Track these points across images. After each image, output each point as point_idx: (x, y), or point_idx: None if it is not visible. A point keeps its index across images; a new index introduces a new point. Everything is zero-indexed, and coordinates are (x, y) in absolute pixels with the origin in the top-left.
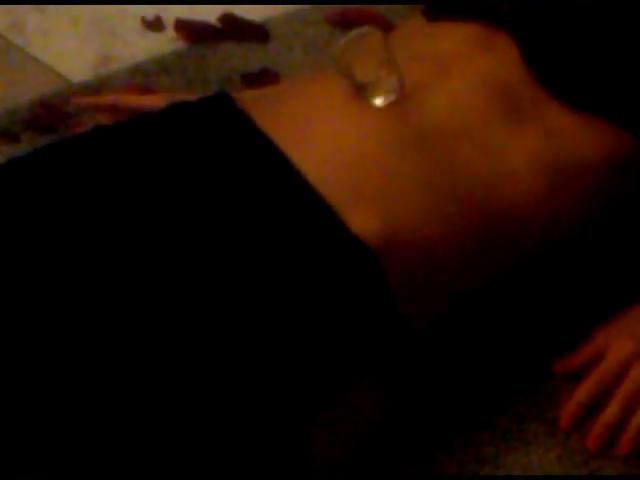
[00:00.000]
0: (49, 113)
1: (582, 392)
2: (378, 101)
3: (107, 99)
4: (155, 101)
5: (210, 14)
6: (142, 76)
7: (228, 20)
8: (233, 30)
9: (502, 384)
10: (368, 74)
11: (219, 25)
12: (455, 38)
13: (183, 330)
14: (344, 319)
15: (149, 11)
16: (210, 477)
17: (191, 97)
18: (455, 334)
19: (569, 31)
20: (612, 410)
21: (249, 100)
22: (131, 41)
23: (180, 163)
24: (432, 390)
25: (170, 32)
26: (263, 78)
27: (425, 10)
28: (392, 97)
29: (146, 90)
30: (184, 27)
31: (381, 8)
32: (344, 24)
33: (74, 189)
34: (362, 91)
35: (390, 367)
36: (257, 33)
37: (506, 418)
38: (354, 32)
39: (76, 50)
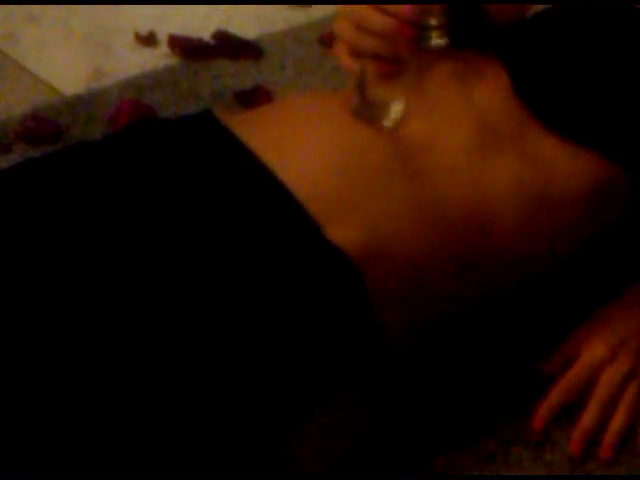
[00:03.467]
0: (40, 125)
1: (553, 396)
2: (387, 123)
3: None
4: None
5: (204, 31)
6: (134, 91)
7: (221, 37)
8: (226, 47)
9: (487, 407)
10: (379, 94)
11: (212, 42)
12: (444, 64)
13: (168, 339)
14: (322, 328)
15: (143, 26)
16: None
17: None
18: (440, 356)
19: (556, 60)
20: (589, 416)
21: (234, 118)
22: (124, 55)
23: (164, 177)
24: (415, 412)
25: (163, 48)
26: (255, 95)
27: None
28: (395, 125)
29: None
30: (178, 43)
31: None
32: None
33: (60, 202)
34: (370, 110)
35: (368, 380)
36: (250, 51)
37: (491, 442)
38: None
39: (69, 63)
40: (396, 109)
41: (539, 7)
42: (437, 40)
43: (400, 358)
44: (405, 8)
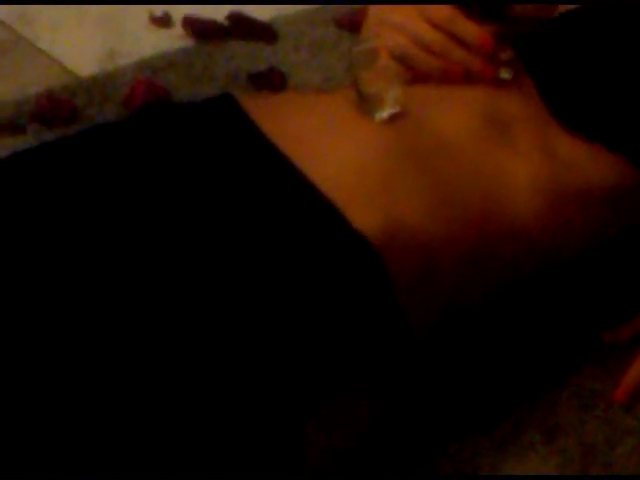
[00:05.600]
0: (54, 106)
1: (632, 375)
2: (380, 115)
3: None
4: None
5: (218, 12)
6: (149, 72)
7: (236, 19)
8: (240, 29)
9: (500, 392)
10: (372, 87)
11: (227, 23)
12: None
13: (182, 326)
14: (343, 310)
15: (157, 7)
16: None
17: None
18: (454, 341)
19: (578, 60)
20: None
21: (254, 105)
22: (138, 36)
23: (185, 163)
24: (429, 396)
25: (178, 29)
26: (269, 77)
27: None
28: (393, 112)
29: None
30: (192, 24)
31: None
32: (351, 26)
33: (76, 185)
34: (366, 103)
35: (388, 368)
36: (264, 32)
37: (504, 426)
38: (367, 44)
39: (84, 44)
40: (389, 102)
41: (563, 8)
42: (505, 74)
43: (419, 344)
44: (483, 40)
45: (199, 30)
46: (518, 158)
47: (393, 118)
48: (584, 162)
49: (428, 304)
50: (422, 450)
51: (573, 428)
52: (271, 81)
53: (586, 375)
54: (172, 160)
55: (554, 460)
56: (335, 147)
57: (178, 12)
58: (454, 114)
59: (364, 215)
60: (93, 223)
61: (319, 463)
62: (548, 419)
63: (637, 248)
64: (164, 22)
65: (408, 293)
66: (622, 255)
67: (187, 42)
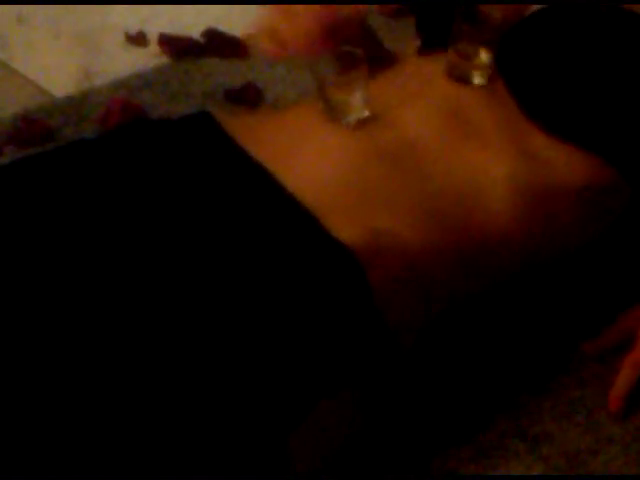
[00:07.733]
0: (31, 127)
1: (622, 381)
2: (347, 120)
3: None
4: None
5: (194, 29)
6: (125, 91)
7: (211, 35)
8: (216, 45)
9: (483, 401)
10: (339, 94)
11: (202, 40)
12: (432, 63)
13: (165, 336)
14: (325, 321)
15: (132, 26)
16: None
17: None
18: (438, 350)
19: (550, 60)
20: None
21: (231, 121)
22: (114, 56)
23: (163, 180)
24: (412, 405)
25: (153, 47)
26: (246, 93)
27: (419, 47)
28: (361, 117)
29: None
30: (167, 42)
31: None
32: None
33: (53, 201)
34: (333, 111)
35: (371, 376)
36: (240, 48)
37: (488, 435)
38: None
39: (59, 64)
40: (356, 107)
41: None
42: (479, 78)
43: (403, 353)
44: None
45: (175, 48)
46: (491, 155)
47: (363, 122)
48: (560, 160)
49: (413, 310)
50: (406, 460)
51: (556, 436)
52: (247, 97)
53: (568, 383)
54: (150, 176)
55: (538, 468)
56: (310, 158)
57: (153, 30)
58: (422, 113)
59: (342, 224)
60: (71, 239)
61: (305, 468)
62: (531, 428)
63: (616, 252)
64: (140, 41)
65: (391, 300)
66: (601, 260)
67: (163, 60)
